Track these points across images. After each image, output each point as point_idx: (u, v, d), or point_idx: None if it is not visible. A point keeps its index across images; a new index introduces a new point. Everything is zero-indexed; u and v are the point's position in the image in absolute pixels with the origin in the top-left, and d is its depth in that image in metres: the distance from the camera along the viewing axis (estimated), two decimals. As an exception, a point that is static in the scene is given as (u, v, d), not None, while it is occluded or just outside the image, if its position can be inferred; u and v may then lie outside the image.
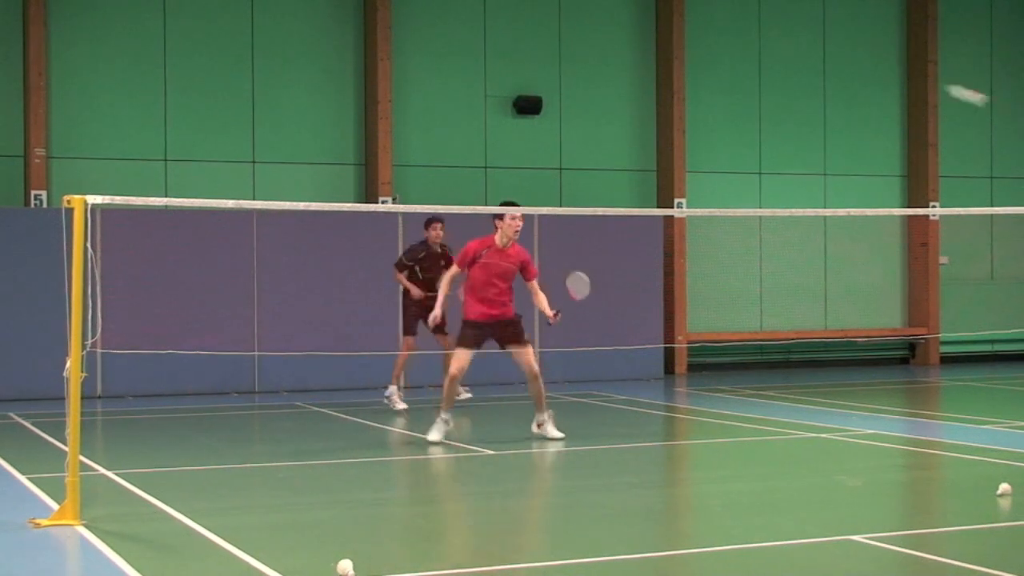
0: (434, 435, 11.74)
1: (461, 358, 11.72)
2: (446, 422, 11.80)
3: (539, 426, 12.07)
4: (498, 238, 11.71)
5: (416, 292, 14.52)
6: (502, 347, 11.95)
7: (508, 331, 11.83)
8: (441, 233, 14.68)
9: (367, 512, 8.91)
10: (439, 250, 14.67)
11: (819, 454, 11.52)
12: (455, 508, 9.25)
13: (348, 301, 17.13)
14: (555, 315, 11.63)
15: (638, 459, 11.39)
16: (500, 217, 11.71)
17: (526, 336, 11.96)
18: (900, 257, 21.57)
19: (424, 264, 14.67)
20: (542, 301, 11.84)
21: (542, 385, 11.98)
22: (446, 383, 11.84)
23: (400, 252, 15.55)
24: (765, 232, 20.62)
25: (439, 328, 13.07)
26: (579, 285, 12.15)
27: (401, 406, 14.65)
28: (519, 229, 11.70)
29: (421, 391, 16.60)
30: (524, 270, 11.85)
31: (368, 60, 18.38)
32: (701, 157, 20.25)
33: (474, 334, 11.73)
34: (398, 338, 16.54)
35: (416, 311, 14.60)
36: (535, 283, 11.90)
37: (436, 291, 13.58)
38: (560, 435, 11.93)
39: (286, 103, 18.21)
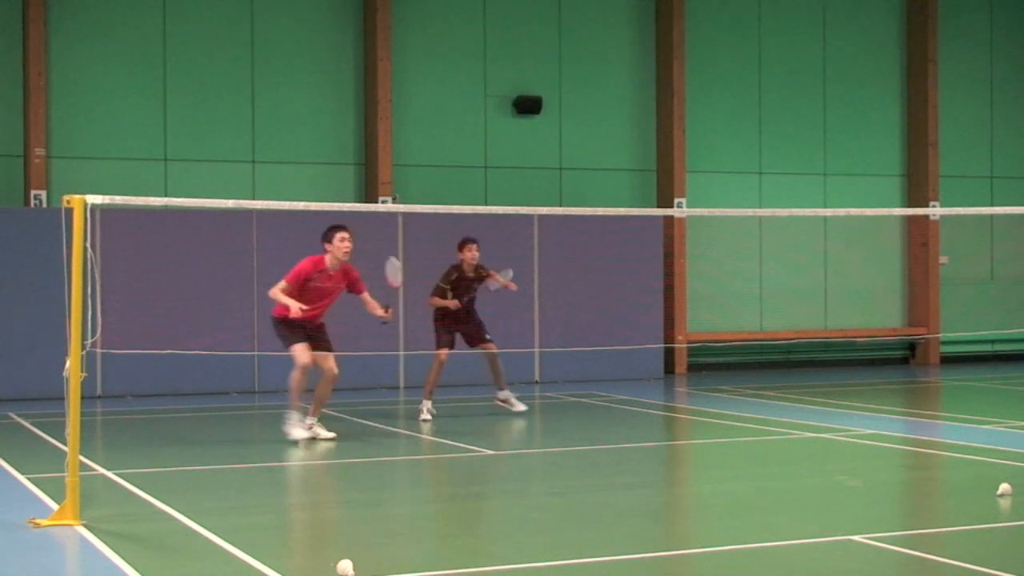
0: (296, 433, 11.98)
1: (305, 353, 11.94)
2: (305, 423, 12.06)
3: (309, 427, 12.13)
4: (329, 260, 12.02)
5: (453, 303, 13.74)
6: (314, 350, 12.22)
7: (317, 335, 12.13)
8: (476, 255, 13.80)
9: (367, 512, 8.91)
10: (472, 274, 13.88)
11: (819, 454, 11.52)
12: (455, 508, 9.25)
13: (348, 301, 17.08)
14: (387, 311, 12.14)
15: (638, 459, 11.39)
16: (329, 240, 12.00)
17: (330, 342, 12.23)
18: (900, 257, 21.57)
19: (457, 289, 13.86)
20: (374, 306, 12.21)
21: (330, 390, 12.25)
22: (297, 376, 11.98)
23: (400, 257, 15.57)
24: (765, 232, 20.62)
25: (479, 337, 13.70)
26: (395, 272, 12.64)
27: (520, 407, 14.13)
28: (349, 250, 12.02)
29: (421, 391, 16.61)
30: (353, 287, 12.24)
31: (368, 60, 18.39)
32: (701, 157, 20.25)
33: (301, 328, 11.97)
34: (398, 338, 16.57)
35: (449, 323, 13.93)
36: (366, 295, 12.30)
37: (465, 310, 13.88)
38: (331, 434, 12.09)
39: (286, 103, 18.21)
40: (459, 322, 13.89)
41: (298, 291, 11.87)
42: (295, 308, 11.59)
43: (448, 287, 13.84)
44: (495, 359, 14.04)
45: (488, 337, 13.98)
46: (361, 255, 17.19)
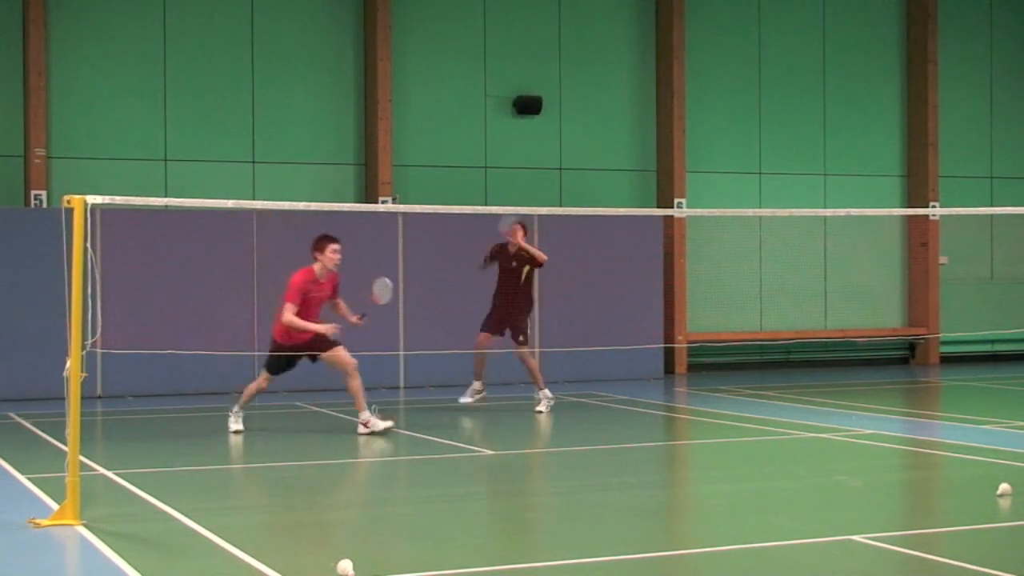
0: (235, 426, 12.45)
1: (266, 382, 12.49)
2: (238, 426, 12.46)
3: (365, 424, 12.26)
4: (318, 269, 12.30)
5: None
6: (314, 360, 12.45)
7: (316, 343, 12.29)
8: (523, 235, 14.27)
9: (367, 512, 8.92)
10: (513, 251, 14.30)
11: (819, 454, 11.52)
12: (455, 508, 9.25)
13: (348, 301, 17.08)
14: (360, 318, 12.43)
15: (638, 459, 11.39)
16: (320, 250, 12.27)
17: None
18: (900, 257, 21.57)
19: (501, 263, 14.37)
20: (344, 311, 12.50)
21: (358, 380, 12.38)
22: (254, 386, 12.51)
23: (400, 257, 15.63)
24: (765, 232, 20.62)
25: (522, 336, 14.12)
26: (383, 291, 12.75)
27: (546, 407, 14.37)
28: (338, 261, 12.35)
29: (421, 391, 16.62)
30: (333, 293, 12.54)
31: (368, 60, 18.38)
32: (701, 157, 20.25)
33: (285, 358, 12.39)
34: (399, 338, 16.58)
35: (503, 308, 14.32)
36: (339, 299, 12.59)
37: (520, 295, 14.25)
38: (388, 423, 12.31)
39: (286, 103, 18.21)
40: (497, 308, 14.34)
41: (303, 306, 12.14)
42: (329, 329, 12.06)
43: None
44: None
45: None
46: (361, 255, 17.23)
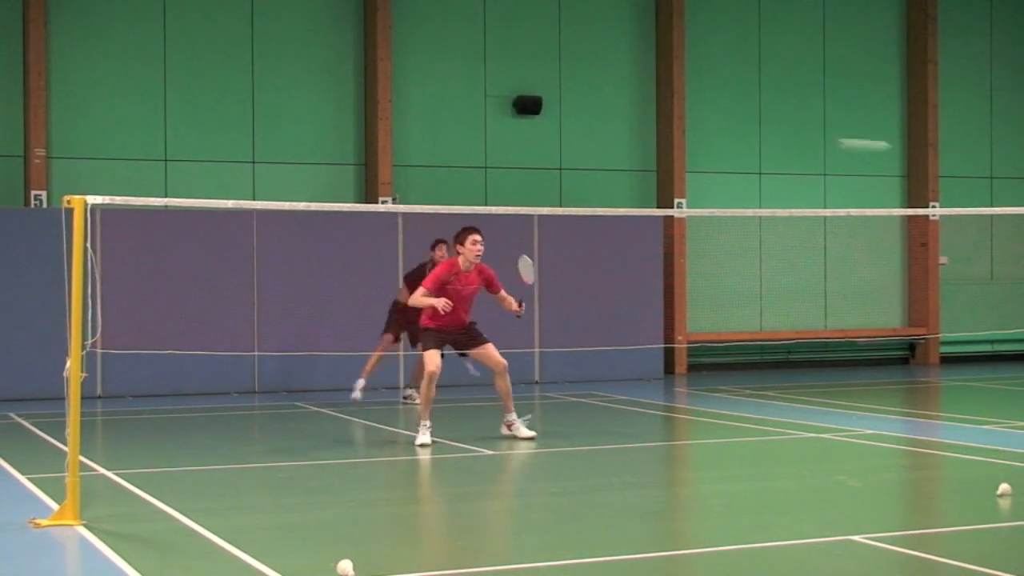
0: (422, 439, 11.73)
1: (435, 358, 11.89)
2: (429, 427, 11.84)
3: (509, 427, 12.16)
4: (462, 262, 11.99)
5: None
6: (461, 353, 12.26)
7: (464, 337, 12.10)
8: (445, 254, 14.42)
9: (367, 512, 8.92)
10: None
11: (819, 454, 11.52)
12: (455, 508, 9.25)
13: (348, 301, 17.13)
14: (520, 305, 12.09)
15: (638, 459, 11.39)
16: (461, 243, 11.99)
17: (483, 336, 12.17)
18: (900, 257, 21.57)
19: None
20: (509, 303, 12.16)
21: (510, 381, 12.18)
22: (424, 384, 11.84)
23: (400, 257, 15.64)
24: (765, 232, 20.62)
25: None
26: (527, 270, 12.46)
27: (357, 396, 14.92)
28: (480, 252, 11.98)
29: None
30: (489, 286, 12.16)
31: (368, 60, 18.39)
32: (701, 157, 20.25)
33: (437, 336, 11.99)
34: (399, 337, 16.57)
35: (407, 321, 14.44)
36: (502, 293, 12.21)
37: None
38: (531, 433, 12.06)
39: (286, 103, 18.21)
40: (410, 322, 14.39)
41: (437, 294, 11.89)
42: (440, 304, 11.69)
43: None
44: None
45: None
46: (361, 255, 17.25)
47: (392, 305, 15.23)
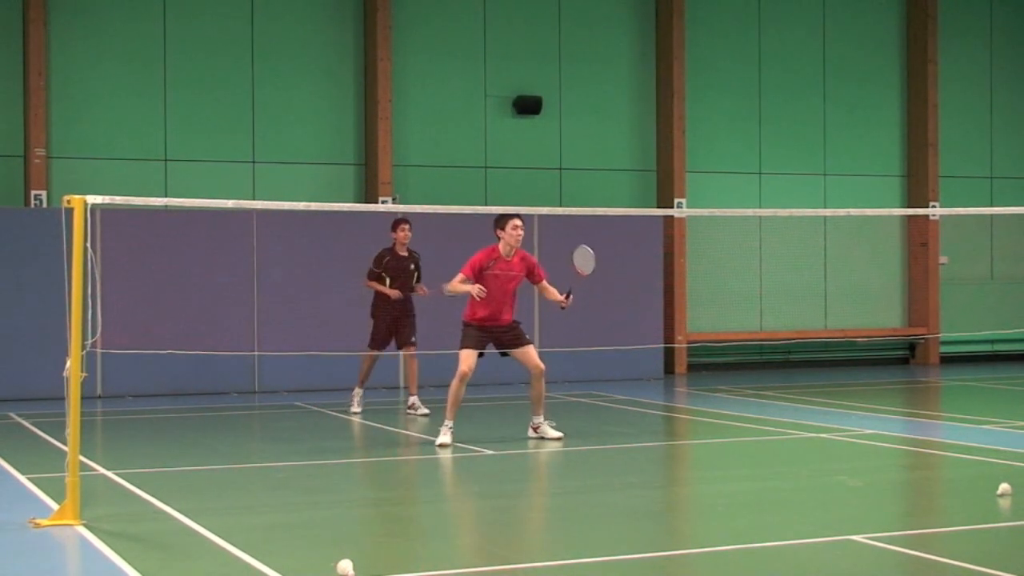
0: (442, 439, 11.67)
1: (469, 358, 11.70)
2: (451, 429, 11.74)
3: (535, 429, 12.08)
4: (502, 248, 11.73)
5: (394, 293, 13.90)
6: (503, 352, 11.98)
7: (508, 336, 11.87)
8: (408, 234, 14.09)
9: (367, 512, 8.92)
10: (406, 253, 14.14)
11: (819, 454, 11.52)
12: (455, 508, 9.25)
13: (348, 301, 17.11)
14: (567, 297, 11.77)
15: (638, 459, 11.39)
16: (502, 227, 11.69)
17: (526, 336, 12.00)
18: (900, 257, 21.57)
19: (392, 270, 14.07)
20: (553, 293, 11.92)
21: (543, 386, 12.01)
22: (455, 384, 11.68)
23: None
24: (765, 232, 20.62)
25: (407, 341, 13.97)
26: (585, 260, 12.06)
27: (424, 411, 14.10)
28: (521, 237, 11.73)
29: (422, 390, 16.60)
30: (531, 274, 11.91)
31: (368, 60, 18.39)
32: (701, 157, 20.25)
33: (477, 336, 11.76)
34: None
35: (387, 322, 14.08)
36: (544, 283, 11.98)
37: (405, 300, 14.01)
38: (559, 434, 11.96)
39: (286, 103, 18.21)
40: (396, 320, 14.14)
41: (485, 286, 11.60)
42: (476, 290, 11.45)
43: (381, 271, 14.14)
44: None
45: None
46: (361, 255, 17.23)
47: (371, 309, 14.33)
